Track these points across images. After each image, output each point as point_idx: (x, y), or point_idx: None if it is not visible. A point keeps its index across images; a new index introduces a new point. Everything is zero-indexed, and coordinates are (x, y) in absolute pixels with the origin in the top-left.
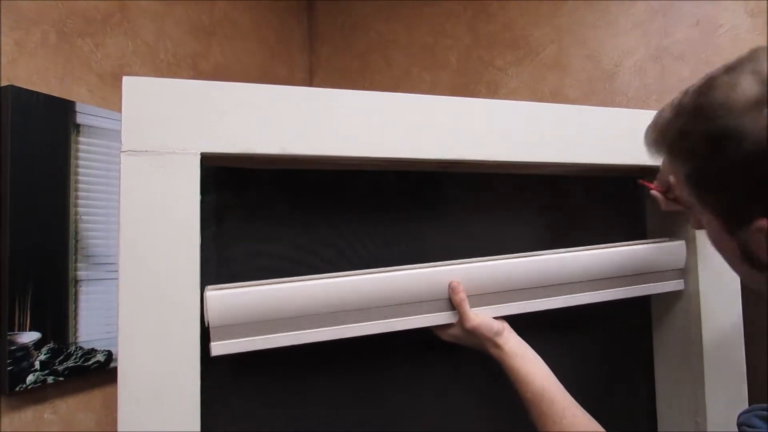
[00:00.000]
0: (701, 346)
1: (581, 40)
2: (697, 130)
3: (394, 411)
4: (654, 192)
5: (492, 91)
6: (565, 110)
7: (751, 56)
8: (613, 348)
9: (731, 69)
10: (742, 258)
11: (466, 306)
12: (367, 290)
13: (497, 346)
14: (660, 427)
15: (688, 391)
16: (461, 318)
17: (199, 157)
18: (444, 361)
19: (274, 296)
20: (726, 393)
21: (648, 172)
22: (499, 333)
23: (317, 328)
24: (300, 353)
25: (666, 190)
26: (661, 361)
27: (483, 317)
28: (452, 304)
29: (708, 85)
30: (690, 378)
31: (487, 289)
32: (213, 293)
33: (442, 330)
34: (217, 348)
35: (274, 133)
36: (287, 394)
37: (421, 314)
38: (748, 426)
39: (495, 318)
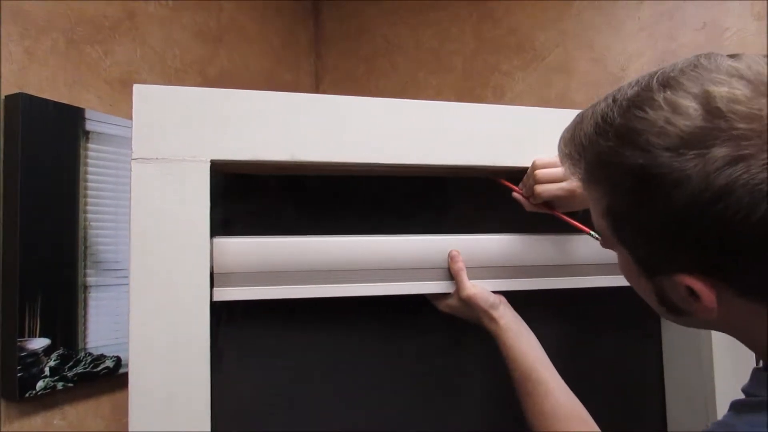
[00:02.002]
0: (711, 346)
1: (587, 44)
2: (623, 161)
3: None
4: (516, 195)
5: (498, 95)
6: (572, 115)
7: (694, 69)
8: (620, 348)
9: (670, 85)
10: (659, 301)
11: (464, 275)
12: (368, 251)
13: (492, 319)
14: (670, 427)
15: (699, 393)
16: (458, 287)
17: (208, 164)
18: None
19: (277, 249)
20: (736, 395)
21: None
22: (494, 306)
23: (316, 284)
24: (309, 352)
25: (529, 197)
26: (671, 362)
27: (479, 288)
28: (451, 274)
29: (641, 102)
30: (700, 380)
31: (485, 263)
32: (220, 239)
33: (440, 300)
34: (219, 294)
35: (283, 140)
36: (298, 397)
37: (419, 281)
38: None
39: (493, 292)
